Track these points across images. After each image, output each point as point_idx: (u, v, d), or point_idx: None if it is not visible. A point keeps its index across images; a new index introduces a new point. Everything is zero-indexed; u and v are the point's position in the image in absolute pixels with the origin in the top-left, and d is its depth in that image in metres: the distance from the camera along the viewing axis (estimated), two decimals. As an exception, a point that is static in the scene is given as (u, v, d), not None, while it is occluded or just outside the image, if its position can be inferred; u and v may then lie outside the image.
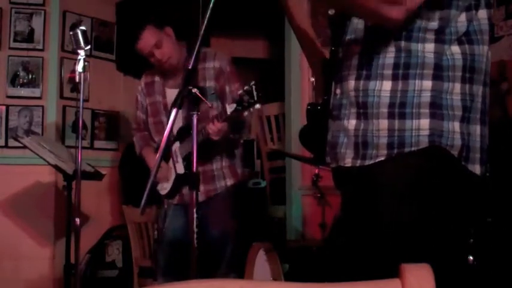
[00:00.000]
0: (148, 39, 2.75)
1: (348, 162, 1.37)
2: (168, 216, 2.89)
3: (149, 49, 2.76)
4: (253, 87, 2.29)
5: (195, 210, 1.85)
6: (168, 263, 2.88)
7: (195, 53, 1.69)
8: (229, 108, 2.44)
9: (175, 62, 2.82)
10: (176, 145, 2.81)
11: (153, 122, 2.97)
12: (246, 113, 2.37)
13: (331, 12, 1.57)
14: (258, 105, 2.29)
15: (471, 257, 2.21)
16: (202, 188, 2.76)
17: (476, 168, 1.32)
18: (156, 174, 1.70)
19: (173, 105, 1.70)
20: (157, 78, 2.96)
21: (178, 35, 2.86)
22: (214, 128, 2.58)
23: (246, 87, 2.31)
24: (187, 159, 2.74)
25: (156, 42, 2.75)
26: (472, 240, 2.21)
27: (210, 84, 2.78)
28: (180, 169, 2.80)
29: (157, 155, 1.68)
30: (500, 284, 2.35)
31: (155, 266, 3.07)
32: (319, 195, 3.31)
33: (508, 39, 3.03)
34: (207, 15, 1.62)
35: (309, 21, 1.64)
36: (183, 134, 2.75)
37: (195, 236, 1.84)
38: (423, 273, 0.73)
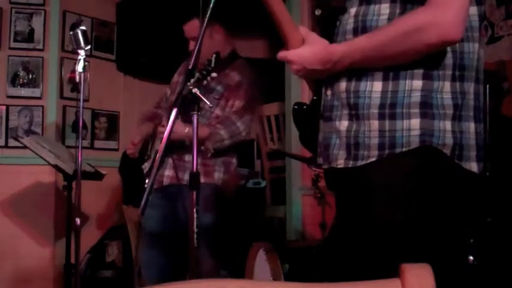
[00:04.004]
0: (193, 28, 2.75)
1: (341, 163, 1.37)
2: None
3: (193, 35, 2.76)
4: (214, 56, 2.21)
5: (195, 210, 1.85)
6: (149, 256, 2.83)
7: (195, 53, 1.69)
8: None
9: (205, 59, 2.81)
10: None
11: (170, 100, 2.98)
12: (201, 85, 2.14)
13: (317, 12, 1.55)
14: (214, 74, 2.16)
15: (471, 257, 2.21)
16: (171, 172, 2.73)
17: (473, 166, 1.30)
18: (156, 175, 1.69)
19: (173, 105, 1.70)
20: None
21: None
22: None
23: (208, 59, 2.21)
24: None
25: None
26: (472, 240, 2.21)
27: (219, 88, 2.74)
28: None
29: (158, 154, 1.68)
30: (500, 284, 2.35)
31: (139, 261, 3.02)
32: (319, 195, 3.31)
33: (508, 39, 3.02)
34: (207, 15, 1.62)
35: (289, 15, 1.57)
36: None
37: (195, 236, 1.84)
38: (423, 273, 0.73)
